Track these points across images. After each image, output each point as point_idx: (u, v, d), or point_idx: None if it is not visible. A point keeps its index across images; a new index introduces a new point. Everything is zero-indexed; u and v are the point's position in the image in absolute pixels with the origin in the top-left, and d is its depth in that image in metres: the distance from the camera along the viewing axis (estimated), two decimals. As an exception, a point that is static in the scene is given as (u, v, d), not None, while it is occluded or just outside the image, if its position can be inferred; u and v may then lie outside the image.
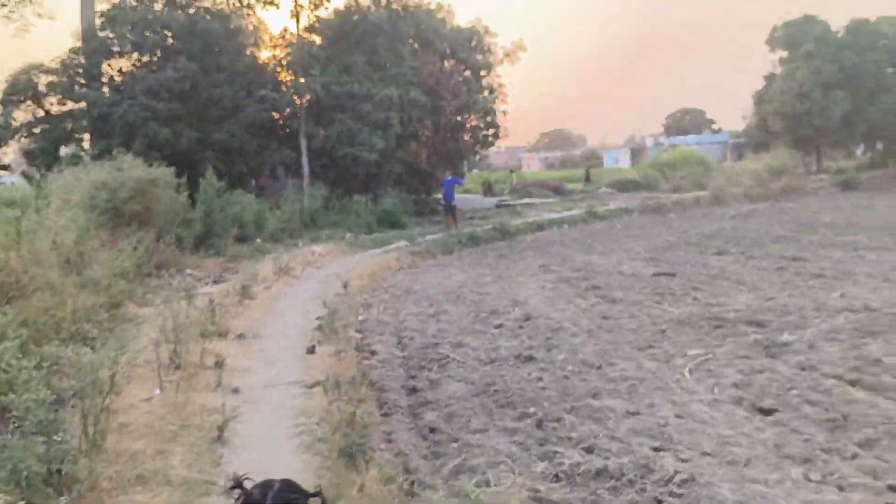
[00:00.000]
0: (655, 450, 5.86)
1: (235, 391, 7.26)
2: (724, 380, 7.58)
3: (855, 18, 45.41)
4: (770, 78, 48.29)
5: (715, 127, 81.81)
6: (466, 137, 32.05)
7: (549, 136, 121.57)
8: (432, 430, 6.64)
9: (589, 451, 5.91)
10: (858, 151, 53.54)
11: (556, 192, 39.32)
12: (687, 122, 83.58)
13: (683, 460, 5.63)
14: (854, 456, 5.68)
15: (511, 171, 54.42)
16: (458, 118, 31.09)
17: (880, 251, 15.70)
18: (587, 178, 45.50)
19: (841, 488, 5.21)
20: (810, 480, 5.33)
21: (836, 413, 6.45)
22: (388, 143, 25.43)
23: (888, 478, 5.27)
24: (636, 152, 68.92)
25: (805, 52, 43.57)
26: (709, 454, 5.78)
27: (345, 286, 13.19)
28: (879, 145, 49.86)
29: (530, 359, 8.78)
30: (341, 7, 27.58)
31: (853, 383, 7.20)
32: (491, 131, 32.77)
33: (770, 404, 6.79)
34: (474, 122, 32.15)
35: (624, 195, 36.25)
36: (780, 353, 8.40)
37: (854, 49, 43.24)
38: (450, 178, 25.16)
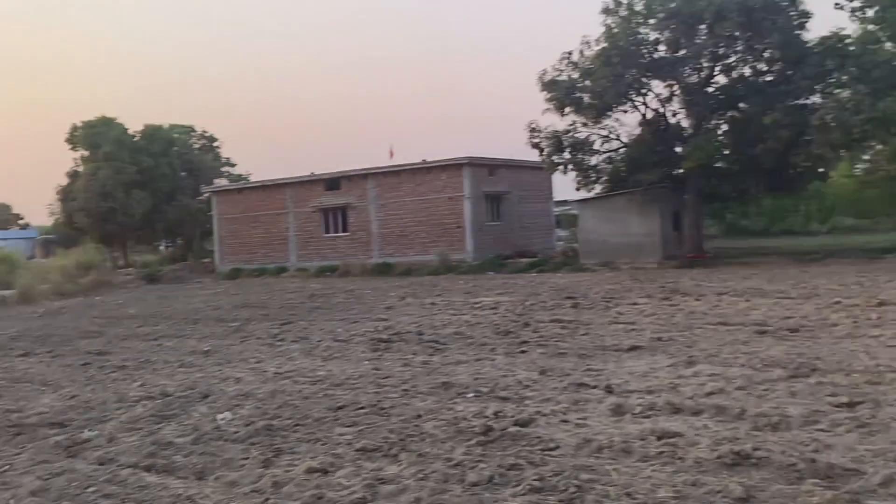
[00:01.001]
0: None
1: None
2: (22, 489, 7.35)
3: (149, 124, 49.41)
4: (74, 175, 48.55)
5: (23, 222, 77.84)
6: None
7: None
8: None
9: None
10: (162, 246, 57.72)
11: None
12: (-8, 219, 77.00)
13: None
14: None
15: None
16: None
17: (178, 339, 17.30)
18: None
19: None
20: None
21: (132, 501, 6.90)
22: None
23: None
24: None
25: (105, 153, 45.35)
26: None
27: None
28: (179, 240, 54.86)
29: None
30: None
31: (148, 469, 7.81)
32: None
33: (64, 506, 6.88)
34: None
35: None
36: (80, 450, 8.54)
37: (150, 153, 46.98)
38: None
